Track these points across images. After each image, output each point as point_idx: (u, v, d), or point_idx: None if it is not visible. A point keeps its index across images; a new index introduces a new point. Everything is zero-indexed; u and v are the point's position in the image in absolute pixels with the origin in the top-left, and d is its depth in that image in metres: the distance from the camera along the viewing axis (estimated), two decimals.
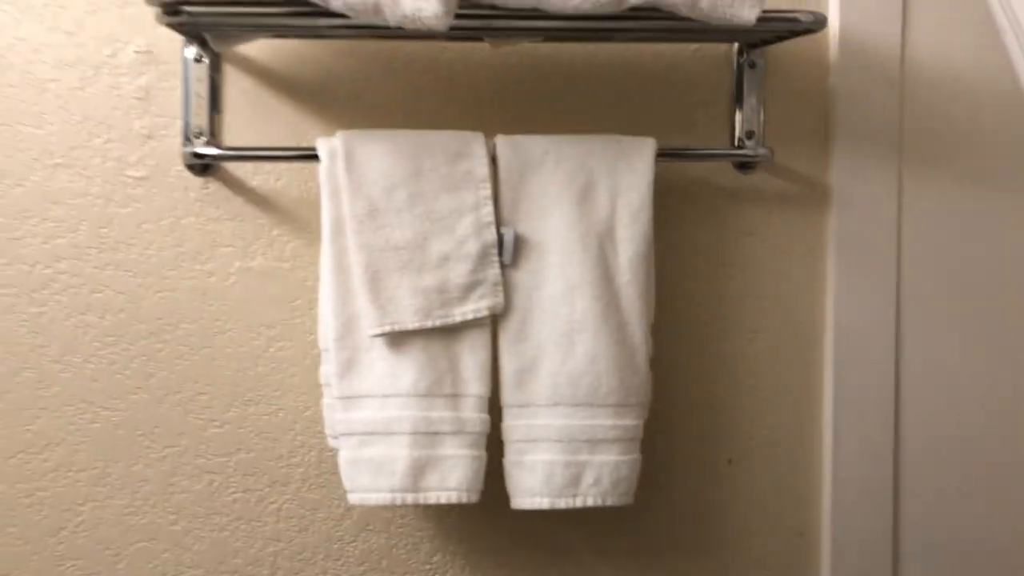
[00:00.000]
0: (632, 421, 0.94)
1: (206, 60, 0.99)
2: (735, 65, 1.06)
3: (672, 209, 1.05)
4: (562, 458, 0.92)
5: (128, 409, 1.01)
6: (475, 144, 0.92)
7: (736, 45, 1.05)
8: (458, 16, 0.84)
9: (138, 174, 1.01)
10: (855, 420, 1.08)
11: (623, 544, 1.08)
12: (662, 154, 0.98)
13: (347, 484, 0.92)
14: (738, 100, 1.06)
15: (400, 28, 0.79)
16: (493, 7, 0.83)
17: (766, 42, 1.02)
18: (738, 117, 1.06)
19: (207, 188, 1.02)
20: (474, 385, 0.92)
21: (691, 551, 1.08)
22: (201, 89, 1.00)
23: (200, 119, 1.00)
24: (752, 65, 1.05)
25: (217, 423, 1.03)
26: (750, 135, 1.05)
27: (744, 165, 1.06)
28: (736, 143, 1.06)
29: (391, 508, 1.05)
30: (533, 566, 1.07)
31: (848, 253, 1.07)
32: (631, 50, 1.04)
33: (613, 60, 1.05)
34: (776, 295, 1.08)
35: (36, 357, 1.00)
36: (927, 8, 1.07)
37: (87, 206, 1.01)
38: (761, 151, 1.02)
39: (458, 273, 0.90)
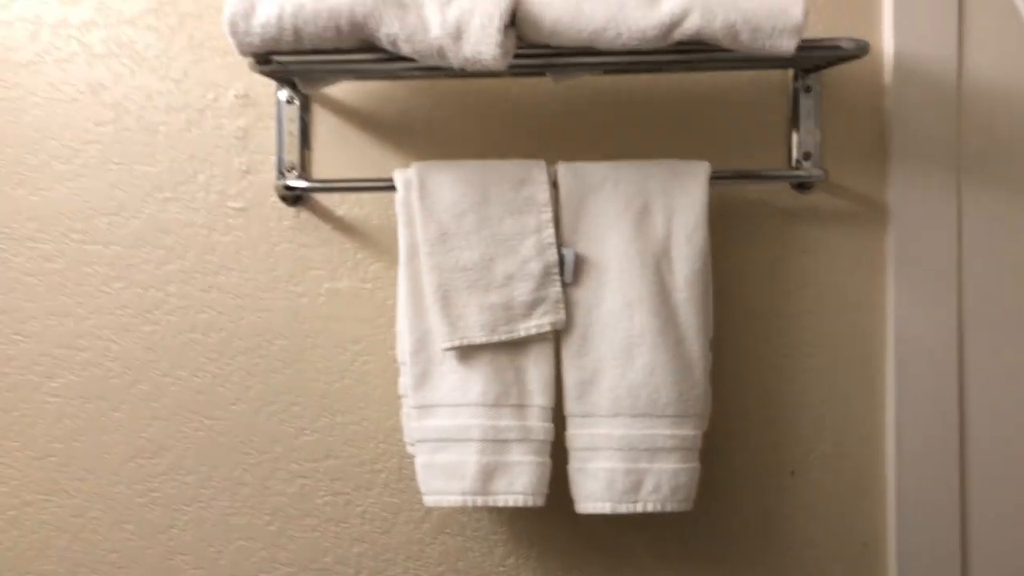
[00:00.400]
0: (690, 431, 0.99)
1: (297, 102, 1.10)
2: (791, 89, 1.10)
3: (733, 229, 1.10)
4: (623, 466, 0.97)
5: (229, 418, 1.12)
6: (537, 171, 0.99)
7: (791, 70, 1.09)
8: (517, 56, 0.92)
9: (238, 205, 1.12)
10: (919, 432, 1.09)
11: (686, 551, 1.12)
12: (720, 176, 1.03)
13: (423, 487, 0.99)
14: (794, 123, 1.10)
15: (463, 69, 0.87)
16: (549, 47, 0.90)
17: (818, 67, 1.06)
18: (795, 139, 1.10)
19: (298, 217, 1.12)
20: (538, 396, 0.99)
21: (754, 560, 1.12)
22: (293, 128, 1.10)
23: (292, 155, 1.10)
24: (807, 89, 1.09)
25: (308, 431, 1.12)
26: (807, 156, 1.09)
27: (802, 185, 1.10)
28: (793, 164, 1.10)
29: (467, 512, 1.12)
30: (599, 570, 1.12)
31: (908, 269, 1.09)
32: (689, 78, 1.10)
33: (672, 88, 1.11)
34: (836, 311, 1.11)
35: (149, 371, 1.12)
36: (983, 27, 1.09)
37: (193, 235, 1.12)
38: (815, 172, 1.06)
39: (522, 291, 0.97)
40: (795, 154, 1.09)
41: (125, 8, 1.11)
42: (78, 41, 1.11)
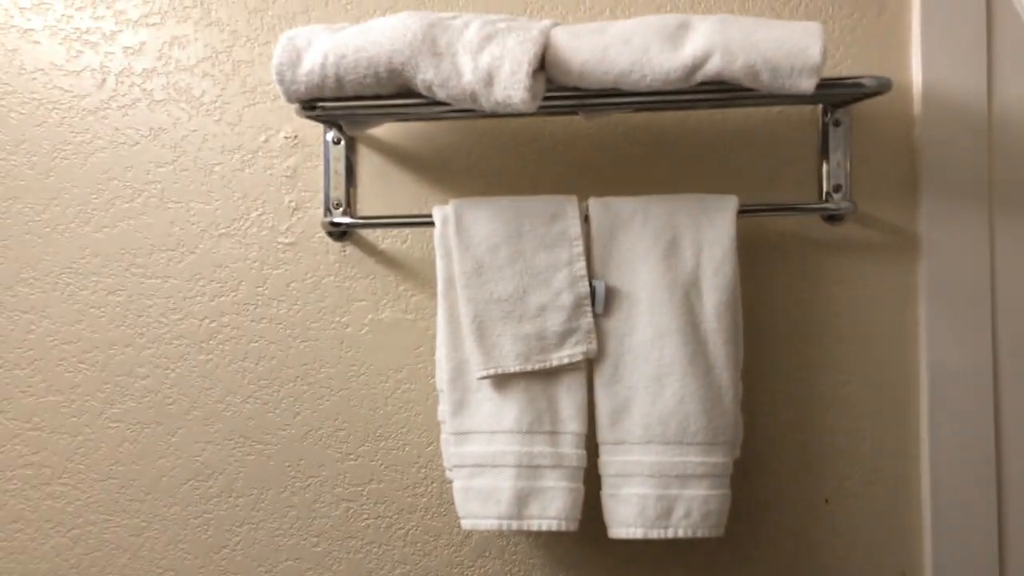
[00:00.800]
0: (721, 459, 1.01)
1: (342, 142, 1.16)
2: (820, 124, 1.12)
3: (764, 260, 1.12)
4: (654, 492, 1.00)
5: (278, 443, 1.17)
6: (568, 207, 1.03)
7: (820, 105, 1.12)
8: (549, 97, 0.96)
9: (287, 240, 1.18)
10: (954, 460, 1.10)
11: None
12: (750, 210, 1.06)
13: (460, 511, 1.03)
14: (824, 156, 1.12)
15: (495, 112, 0.92)
16: (577, 89, 0.94)
17: (846, 102, 1.08)
18: (824, 172, 1.12)
19: (344, 251, 1.17)
20: (571, 423, 1.02)
21: None
22: (339, 167, 1.16)
23: (338, 192, 1.16)
24: (836, 123, 1.11)
25: (352, 456, 1.17)
26: (837, 189, 1.11)
27: (833, 217, 1.12)
28: (824, 197, 1.12)
29: (505, 537, 1.15)
30: None
31: (940, 298, 1.10)
32: (718, 114, 1.13)
33: (702, 124, 1.14)
34: (868, 340, 1.12)
35: (204, 398, 1.18)
36: (1011, 58, 1.10)
37: (246, 269, 1.18)
38: (845, 204, 1.08)
39: (554, 322, 1.01)
40: (825, 187, 1.12)
41: (183, 57, 1.19)
42: (140, 88, 1.19)
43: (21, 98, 1.20)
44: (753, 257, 1.11)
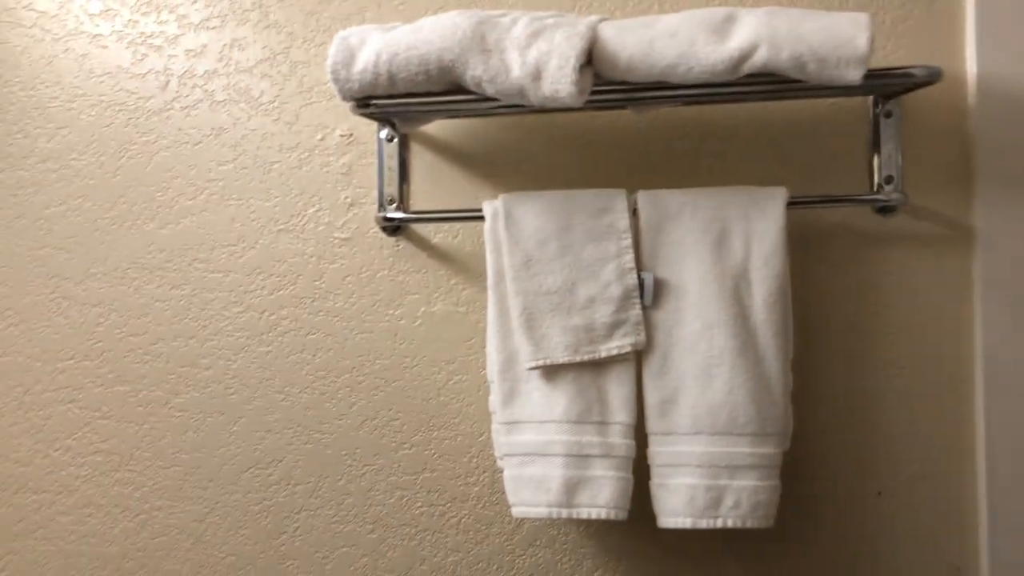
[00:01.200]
0: (771, 449, 1.01)
1: (396, 139, 1.18)
2: (871, 115, 1.12)
3: (815, 253, 1.12)
4: (703, 482, 1.01)
5: (335, 432, 1.21)
6: (617, 200, 1.04)
7: (871, 96, 1.11)
8: (597, 91, 0.98)
9: (343, 236, 1.21)
10: (1010, 452, 1.08)
11: (771, 568, 1.13)
12: (800, 202, 1.05)
13: (511, 498, 1.05)
14: (875, 147, 1.11)
15: (543, 107, 0.94)
16: (625, 83, 0.96)
17: (897, 92, 1.07)
18: (876, 163, 1.11)
19: (398, 246, 1.20)
20: (620, 414, 1.03)
21: None
22: (392, 164, 1.19)
23: (392, 188, 1.19)
24: (888, 114, 1.10)
25: (407, 445, 1.20)
26: (889, 180, 1.10)
27: (884, 209, 1.12)
28: (875, 188, 1.11)
29: (556, 526, 1.17)
30: None
31: (995, 289, 1.09)
32: (768, 107, 1.13)
33: (752, 117, 1.14)
34: (922, 332, 1.11)
35: (264, 388, 1.22)
36: None
37: (303, 263, 1.22)
38: (896, 195, 1.07)
39: (603, 314, 1.02)
40: (876, 178, 1.11)
41: (243, 59, 1.23)
42: (202, 89, 1.23)
43: (90, 100, 1.26)
44: (803, 250, 1.11)
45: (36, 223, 1.26)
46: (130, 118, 1.25)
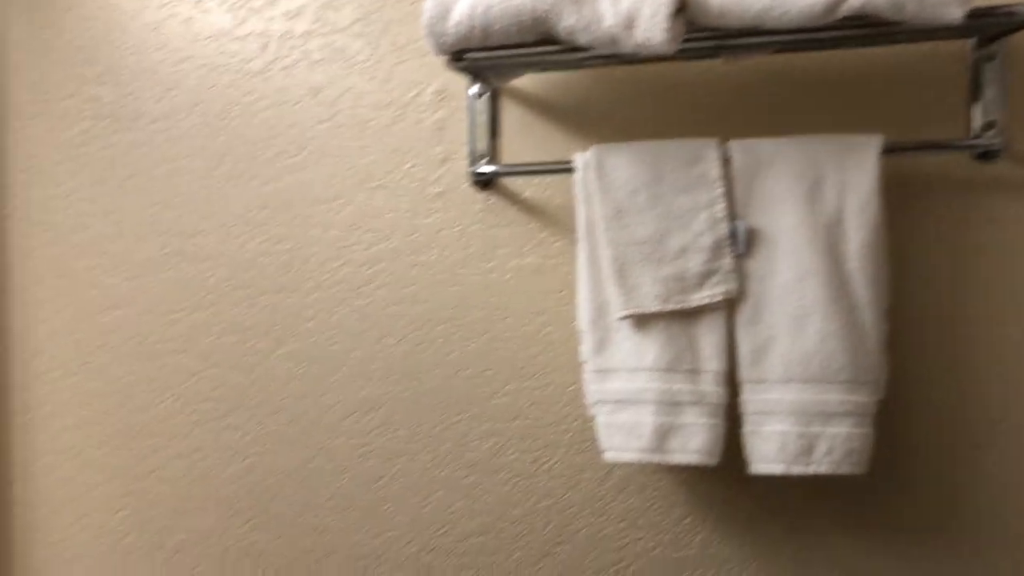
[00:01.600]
0: (864, 397, 1.01)
1: (487, 95, 1.20)
2: (971, 58, 1.09)
3: (911, 201, 1.10)
4: (795, 429, 1.01)
5: (430, 381, 1.25)
6: (708, 149, 1.04)
7: (972, 39, 1.08)
8: (689, 39, 0.98)
9: (436, 191, 1.24)
10: None
11: (862, 516, 1.13)
12: (896, 149, 1.04)
13: (603, 444, 1.08)
14: (975, 92, 1.08)
15: (636, 54, 0.94)
16: (718, 29, 0.95)
17: (1002, 33, 1.04)
18: (976, 109, 1.08)
19: (489, 200, 1.23)
20: (712, 362, 1.04)
21: (933, 530, 1.12)
22: (483, 119, 1.21)
23: (483, 144, 1.21)
24: (990, 58, 1.07)
25: (500, 394, 1.23)
26: (990, 126, 1.08)
27: (984, 155, 1.09)
28: (974, 134, 1.09)
29: (646, 473, 1.19)
30: (775, 532, 1.16)
31: None
32: (863, 53, 1.11)
33: (846, 64, 1.12)
34: (1020, 281, 1.09)
35: (362, 339, 1.27)
36: None
37: (398, 219, 1.25)
38: (998, 140, 1.05)
39: (694, 263, 1.03)
40: (976, 124, 1.08)
41: (338, 19, 1.26)
42: (300, 50, 1.28)
43: (196, 63, 1.31)
44: (900, 198, 1.10)
45: (147, 182, 1.33)
46: (232, 80, 1.30)
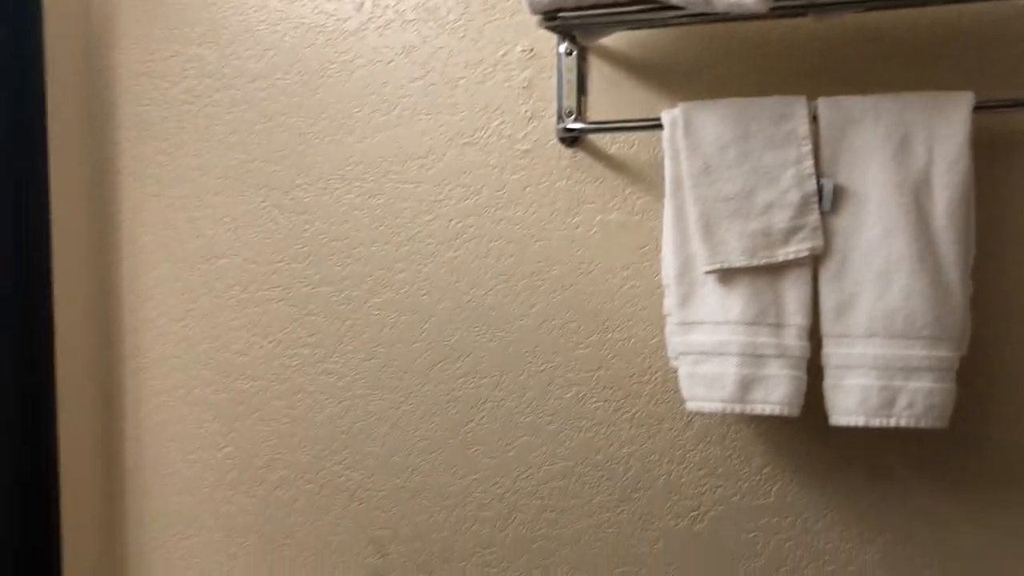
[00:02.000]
0: (947, 353, 1.02)
1: (575, 53, 1.23)
2: None
3: (1001, 160, 1.10)
4: (877, 383, 1.03)
5: (516, 331, 1.30)
6: (797, 106, 1.06)
7: None
8: None
9: (524, 148, 1.28)
10: None
11: (942, 469, 1.15)
12: (987, 106, 1.04)
13: (685, 394, 1.11)
14: None
15: (727, 13, 0.96)
16: None
17: None
18: None
19: (575, 157, 1.26)
20: (795, 316, 1.06)
21: (1013, 485, 1.13)
22: (571, 77, 1.24)
23: (570, 101, 1.24)
24: None
25: (583, 345, 1.27)
26: None
27: None
28: None
29: (727, 424, 1.22)
30: (853, 482, 1.18)
31: None
32: (953, 10, 1.11)
33: (936, 21, 1.12)
34: None
35: (452, 290, 1.32)
36: None
37: (487, 175, 1.30)
38: None
39: (781, 219, 1.05)
40: None
41: None
42: (394, 10, 1.32)
43: (293, 23, 1.36)
44: (989, 157, 1.10)
45: (248, 138, 1.40)
46: (329, 39, 1.35)
